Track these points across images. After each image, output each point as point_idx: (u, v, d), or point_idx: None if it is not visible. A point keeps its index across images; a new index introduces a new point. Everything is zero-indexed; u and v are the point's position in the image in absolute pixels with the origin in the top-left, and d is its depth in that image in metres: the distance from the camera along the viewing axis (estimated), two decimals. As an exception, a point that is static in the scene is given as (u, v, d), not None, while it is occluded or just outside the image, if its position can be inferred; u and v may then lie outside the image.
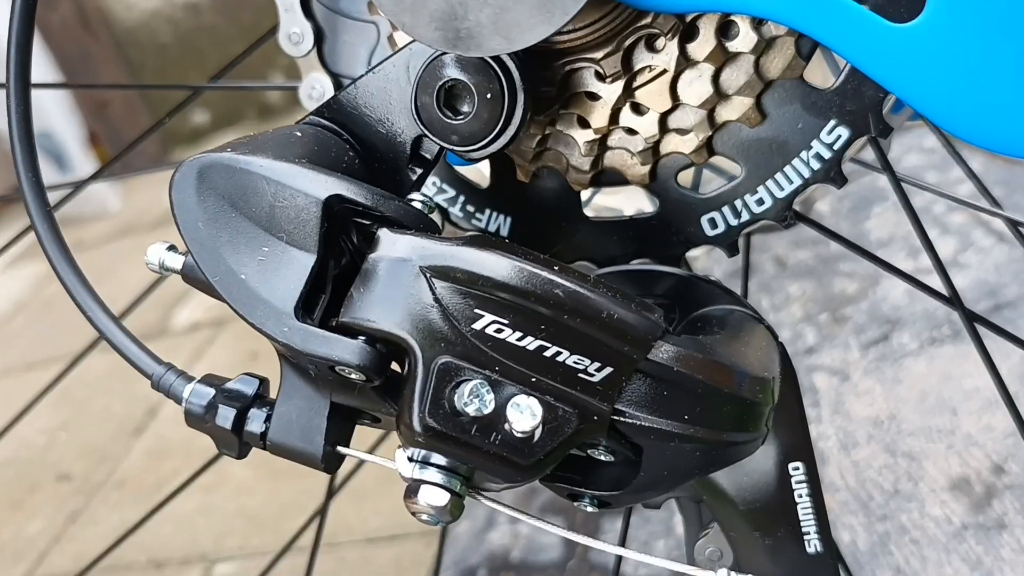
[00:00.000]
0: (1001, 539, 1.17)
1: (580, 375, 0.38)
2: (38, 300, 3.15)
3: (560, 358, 0.38)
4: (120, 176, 3.79)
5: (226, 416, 0.42)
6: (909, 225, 1.75)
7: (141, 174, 3.78)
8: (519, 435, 0.38)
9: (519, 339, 0.38)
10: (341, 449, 0.43)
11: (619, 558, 0.66)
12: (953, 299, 0.53)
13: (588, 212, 0.53)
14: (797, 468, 0.50)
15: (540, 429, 0.38)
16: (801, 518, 0.50)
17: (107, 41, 3.72)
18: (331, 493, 0.76)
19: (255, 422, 0.42)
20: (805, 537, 0.51)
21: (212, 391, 0.43)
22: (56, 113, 3.58)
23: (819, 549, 0.51)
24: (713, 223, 0.50)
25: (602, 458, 0.42)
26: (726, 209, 0.50)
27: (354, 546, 1.62)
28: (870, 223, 1.79)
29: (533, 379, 0.38)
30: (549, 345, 0.38)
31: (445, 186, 0.54)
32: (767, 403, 0.43)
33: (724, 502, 0.51)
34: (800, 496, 0.50)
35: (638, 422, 0.40)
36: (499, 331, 0.38)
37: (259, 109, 3.84)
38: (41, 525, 2.02)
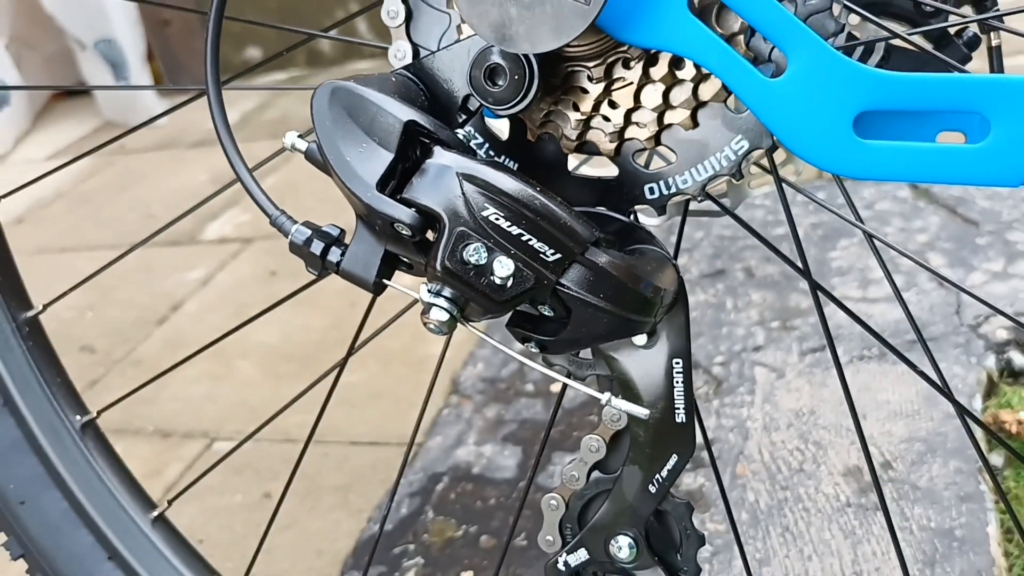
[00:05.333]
0: (875, 518, 1.41)
1: (540, 255, 0.62)
2: (76, 192, 3.37)
3: (531, 243, 0.61)
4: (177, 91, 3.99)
5: (318, 246, 0.66)
6: (867, 260, 1.96)
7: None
8: (498, 281, 0.61)
9: (508, 226, 0.61)
10: (386, 282, 0.66)
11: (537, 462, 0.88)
12: (803, 271, 0.76)
13: (571, 169, 0.76)
14: (678, 362, 0.73)
15: (511, 280, 0.61)
16: (675, 397, 0.74)
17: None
18: (351, 351, 0.98)
19: (334, 255, 0.66)
20: (676, 410, 0.74)
21: (309, 231, 0.67)
22: (122, 23, 3.76)
23: (683, 420, 0.74)
24: (652, 190, 0.73)
25: (546, 313, 0.65)
26: (661, 182, 0.73)
27: (338, 446, 1.86)
28: (834, 253, 2.03)
29: (512, 251, 0.62)
30: (526, 233, 0.61)
31: (477, 135, 0.77)
32: (657, 303, 0.66)
33: (628, 381, 0.75)
34: (677, 382, 0.74)
35: (572, 292, 0.63)
36: (497, 219, 0.61)
37: (308, 55, 4.08)
38: (62, 387, 2.25)
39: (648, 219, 0.78)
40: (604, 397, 0.66)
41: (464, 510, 1.59)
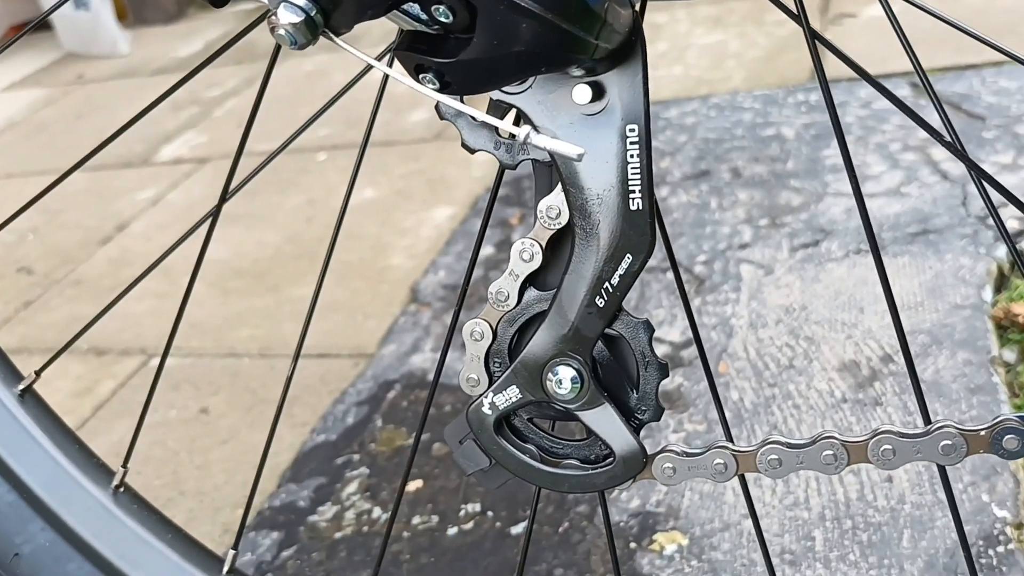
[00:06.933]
0: (874, 413, 1.25)
1: None
2: (30, 122, 3.21)
3: None
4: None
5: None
6: (863, 157, 1.79)
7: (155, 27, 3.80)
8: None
9: None
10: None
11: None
12: (800, 17, 0.59)
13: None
14: (632, 130, 0.56)
15: None
16: (630, 176, 0.57)
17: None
18: (223, 198, 0.82)
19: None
20: (630, 195, 0.57)
21: None
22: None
23: (640, 207, 0.57)
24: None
25: (442, 19, 0.48)
26: None
27: (286, 359, 1.69)
28: (828, 151, 1.86)
29: None
30: None
31: None
32: (602, 19, 0.49)
33: (570, 161, 0.58)
34: (631, 156, 0.57)
35: None
36: None
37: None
38: (-5, 307, 2.09)
39: None
40: (522, 132, 0.49)
41: (416, 417, 1.42)
